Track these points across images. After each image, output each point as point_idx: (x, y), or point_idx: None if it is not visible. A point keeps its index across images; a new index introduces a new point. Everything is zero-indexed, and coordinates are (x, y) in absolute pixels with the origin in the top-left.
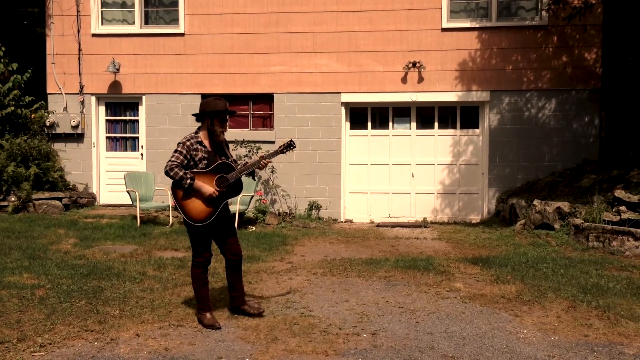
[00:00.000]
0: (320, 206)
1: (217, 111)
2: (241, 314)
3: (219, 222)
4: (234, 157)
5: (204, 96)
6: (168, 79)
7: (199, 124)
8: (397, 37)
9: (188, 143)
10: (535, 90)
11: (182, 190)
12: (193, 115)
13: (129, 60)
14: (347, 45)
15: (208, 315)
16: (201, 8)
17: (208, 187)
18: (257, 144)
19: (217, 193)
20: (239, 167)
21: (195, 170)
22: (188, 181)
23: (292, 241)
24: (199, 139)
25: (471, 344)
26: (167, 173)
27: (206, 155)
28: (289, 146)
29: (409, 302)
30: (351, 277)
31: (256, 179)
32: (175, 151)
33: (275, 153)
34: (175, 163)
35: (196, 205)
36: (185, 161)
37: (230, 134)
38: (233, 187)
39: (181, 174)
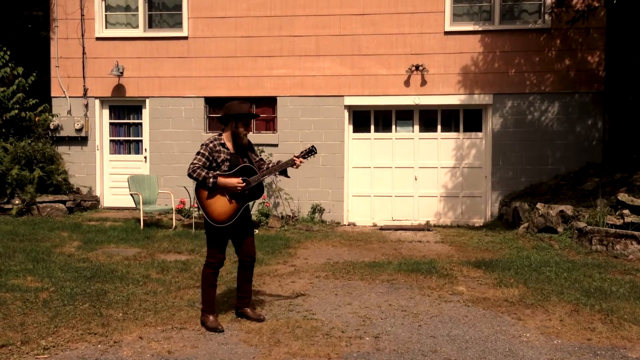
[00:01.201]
0: (323, 209)
1: (241, 114)
2: (243, 317)
3: (239, 224)
4: (258, 158)
5: (207, 99)
6: (172, 82)
7: (201, 127)
8: (400, 40)
9: (211, 145)
10: (539, 93)
11: (206, 190)
12: (217, 117)
13: (132, 64)
14: (350, 49)
15: (211, 317)
16: (205, 12)
17: (232, 180)
18: (260, 147)
19: (242, 183)
20: (269, 165)
21: (218, 172)
22: (211, 180)
23: (295, 244)
24: (222, 141)
25: (474, 347)
26: (190, 175)
27: (229, 157)
28: (311, 152)
29: (411, 306)
30: (354, 280)
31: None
32: (198, 153)
33: (298, 157)
34: (198, 165)
35: (219, 206)
36: (208, 163)
37: None
38: (254, 190)
39: (204, 174)
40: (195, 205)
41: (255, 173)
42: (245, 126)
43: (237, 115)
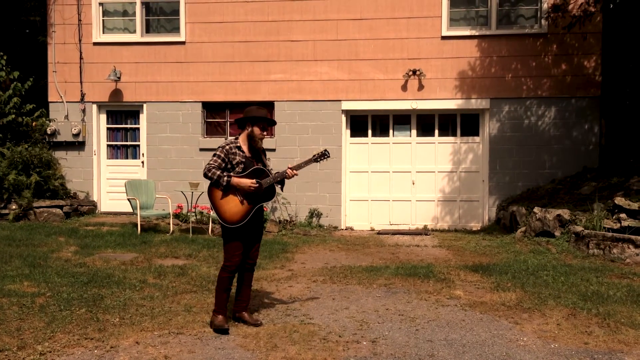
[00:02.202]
0: (321, 214)
1: (257, 117)
2: (240, 322)
3: (252, 226)
4: (271, 166)
5: (204, 104)
6: (169, 87)
7: (199, 132)
8: (397, 45)
9: (227, 147)
10: (535, 98)
11: (219, 190)
12: (235, 121)
13: (130, 69)
14: (347, 53)
15: (220, 317)
16: (202, 16)
17: (246, 180)
18: None
19: (255, 184)
20: (275, 173)
21: (231, 173)
22: (225, 179)
23: (292, 249)
24: (238, 144)
25: (471, 351)
26: (205, 174)
27: (243, 160)
28: (323, 155)
29: (409, 310)
30: (351, 284)
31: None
32: (214, 154)
33: (308, 161)
34: (214, 165)
35: (231, 207)
36: (223, 164)
37: None
38: (266, 192)
39: (218, 173)
40: (193, 210)
41: (267, 176)
42: (261, 130)
43: (254, 118)
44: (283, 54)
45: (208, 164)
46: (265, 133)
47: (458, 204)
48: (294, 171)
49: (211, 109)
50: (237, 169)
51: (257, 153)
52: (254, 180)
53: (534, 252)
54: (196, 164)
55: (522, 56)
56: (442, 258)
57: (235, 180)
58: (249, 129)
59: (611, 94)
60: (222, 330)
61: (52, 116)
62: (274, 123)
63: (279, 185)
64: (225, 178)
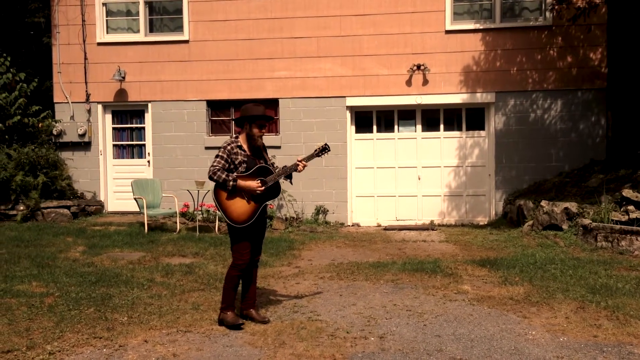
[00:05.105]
0: (327, 210)
1: (254, 116)
2: (247, 319)
3: (258, 224)
4: (273, 161)
5: (209, 103)
6: (173, 86)
7: (204, 131)
8: (401, 40)
9: (229, 147)
10: (541, 91)
11: (225, 192)
12: (233, 120)
13: (134, 68)
14: (351, 49)
15: (230, 313)
16: (205, 15)
17: (251, 182)
18: None
19: (261, 186)
20: (277, 170)
21: (235, 174)
22: (231, 183)
23: (299, 246)
24: (239, 143)
25: (479, 346)
26: (210, 177)
27: (245, 159)
28: (324, 149)
29: (416, 305)
30: (358, 280)
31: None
32: (217, 156)
33: (311, 156)
34: (218, 167)
35: (238, 207)
36: (227, 165)
37: None
38: (271, 189)
39: (224, 176)
40: (199, 208)
41: (270, 173)
42: (260, 128)
43: (251, 117)
44: (286, 51)
45: (212, 165)
46: (264, 130)
47: (464, 198)
48: (305, 162)
49: (216, 107)
50: (240, 168)
51: (258, 150)
52: (259, 183)
53: (541, 246)
54: (202, 162)
55: (527, 49)
56: (449, 253)
57: (242, 183)
58: (247, 128)
59: (617, 85)
60: (235, 327)
61: (57, 117)
62: (271, 119)
63: (288, 180)
64: (231, 182)
